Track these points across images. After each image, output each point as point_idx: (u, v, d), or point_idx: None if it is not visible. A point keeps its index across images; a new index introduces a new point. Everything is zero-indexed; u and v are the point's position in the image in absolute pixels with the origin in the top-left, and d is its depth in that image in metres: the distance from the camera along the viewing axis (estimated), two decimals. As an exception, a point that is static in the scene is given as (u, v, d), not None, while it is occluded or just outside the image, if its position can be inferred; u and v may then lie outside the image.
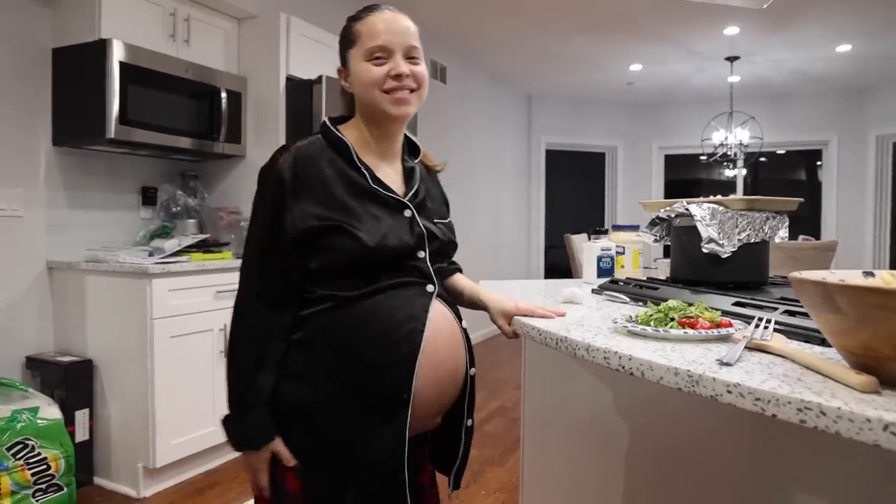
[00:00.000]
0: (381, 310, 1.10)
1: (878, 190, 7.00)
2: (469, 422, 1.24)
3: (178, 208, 3.14)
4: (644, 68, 6.40)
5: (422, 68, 1.19)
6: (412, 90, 1.17)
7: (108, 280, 2.65)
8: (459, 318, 1.21)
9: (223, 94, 3.07)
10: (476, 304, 1.37)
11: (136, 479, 2.58)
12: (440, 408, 1.19)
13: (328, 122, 1.21)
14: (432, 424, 1.21)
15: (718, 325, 1.02)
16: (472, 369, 1.22)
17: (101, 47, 2.59)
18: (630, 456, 1.46)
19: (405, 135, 1.29)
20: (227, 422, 1.17)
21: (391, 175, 1.22)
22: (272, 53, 3.21)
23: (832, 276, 0.87)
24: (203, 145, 3.02)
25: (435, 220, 1.25)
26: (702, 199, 1.55)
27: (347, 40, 1.19)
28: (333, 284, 1.12)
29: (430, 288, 1.16)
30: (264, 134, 3.23)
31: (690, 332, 1.00)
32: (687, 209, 1.54)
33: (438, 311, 1.16)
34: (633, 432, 1.44)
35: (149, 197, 3.17)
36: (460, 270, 1.46)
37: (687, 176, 8.85)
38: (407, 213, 1.18)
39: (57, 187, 2.80)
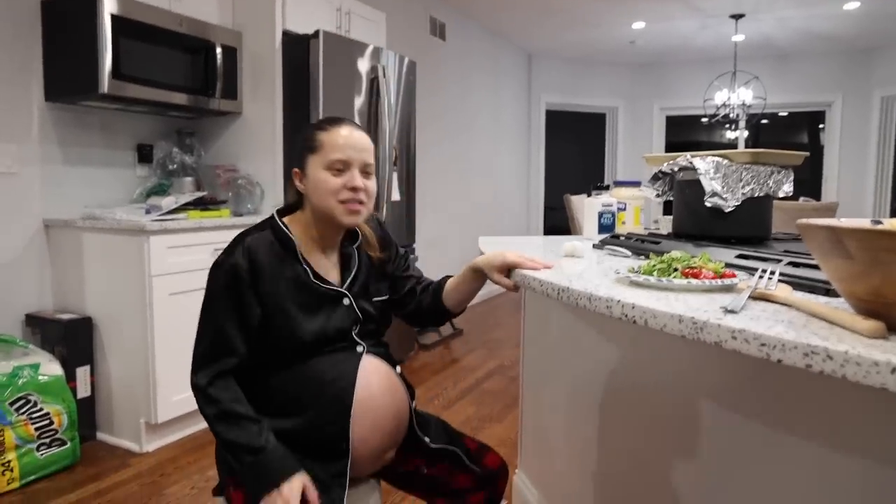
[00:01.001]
0: (313, 374, 1.23)
1: (881, 151, 6.94)
2: (426, 439, 1.37)
3: (175, 166, 3.11)
4: (647, 26, 6.27)
5: (372, 183, 1.30)
6: (361, 202, 1.27)
7: (105, 238, 2.63)
8: (393, 364, 1.34)
9: (218, 49, 3.00)
10: (475, 279, 1.41)
11: (138, 434, 2.61)
12: (391, 444, 1.30)
13: (276, 218, 1.31)
14: (387, 460, 1.32)
15: (722, 276, 1.01)
16: (413, 402, 1.36)
17: (92, 0, 2.52)
18: (628, 413, 1.46)
19: None
20: (245, 474, 1.16)
21: (329, 267, 1.33)
22: (268, 6, 3.13)
23: (840, 222, 0.85)
24: (198, 101, 2.96)
25: (374, 300, 1.37)
26: (706, 152, 1.53)
27: (309, 147, 1.28)
28: (270, 357, 1.26)
29: (359, 349, 1.29)
30: (261, 90, 3.18)
31: (694, 281, 0.99)
32: (690, 162, 1.52)
33: (369, 364, 1.28)
34: (632, 389, 1.45)
35: (145, 154, 3.13)
36: (444, 281, 1.48)
37: (688, 138, 8.78)
38: (346, 301, 1.30)
39: (51, 144, 2.76)
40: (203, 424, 2.82)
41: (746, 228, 1.48)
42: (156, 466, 2.49)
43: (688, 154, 1.54)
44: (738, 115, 6.44)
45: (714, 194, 1.46)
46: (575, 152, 8.49)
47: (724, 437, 1.13)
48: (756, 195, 1.47)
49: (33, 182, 2.71)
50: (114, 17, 2.55)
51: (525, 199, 7.75)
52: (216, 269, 1.23)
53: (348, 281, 1.32)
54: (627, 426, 1.47)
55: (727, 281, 0.99)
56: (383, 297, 1.41)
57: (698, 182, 1.49)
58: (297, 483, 1.14)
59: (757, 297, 0.92)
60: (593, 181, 2.46)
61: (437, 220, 5.36)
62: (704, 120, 7.80)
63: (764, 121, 7.75)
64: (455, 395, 3.40)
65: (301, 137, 1.31)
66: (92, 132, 2.91)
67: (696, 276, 1.01)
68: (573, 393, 1.74)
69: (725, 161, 1.48)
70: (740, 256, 1.21)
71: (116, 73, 2.58)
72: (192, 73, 2.93)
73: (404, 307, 1.46)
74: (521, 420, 2.25)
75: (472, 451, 1.41)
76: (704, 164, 1.48)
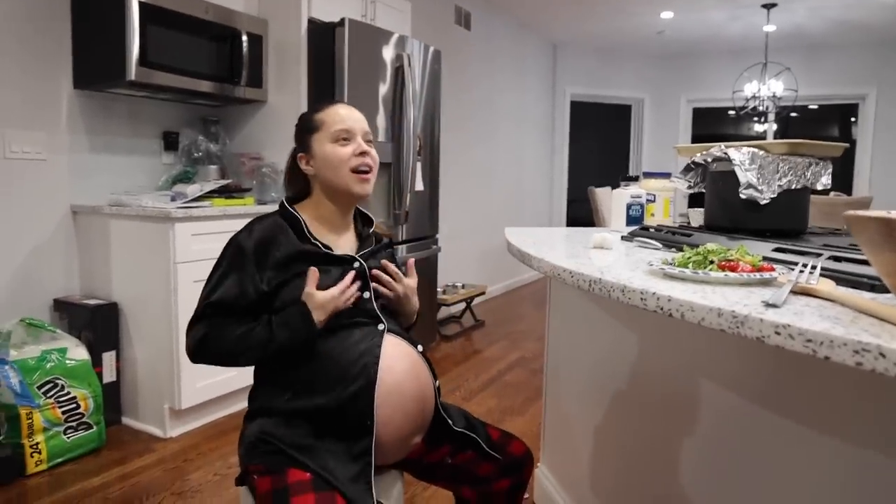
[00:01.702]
0: (335, 351, 1.23)
1: (916, 146, 6.76)
2: (450, 421, 1.34)
3: (200, 154, 3.12)
4: (676, 16, 6.16)
5: (374, 151, 1.36)
6: (370, 169, 1.33)
7: (131, 224, 2.65)
8: (415, 344, 1.34)
9: (244, 37, 3.00)
10: (405, 305, 1.42)
11: (162, 420, 2.64)
12: (416, 429, 1.27)
13: (284, 203, 1.36)
14: (412, 446, 1.29)
15: (760, 269, 0.98)
16: (437, 381, 1.34)
17: (120, -14, 2.53)
18: (654, 406, 1.43)
19: (357, 208, 1.43)
20: (285, 339, 1.21)
21: (344, 245, 1.36)
22: (293, -6, 3.12)
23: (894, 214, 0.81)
24: (224, 89, 2.97)
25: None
26: (741, 143, 1.49)
27: (309, 128, 1.35)
28: None
29: (380, 327, 1.28)
30: (286, 79, 3.17)
31: (731, 274, 0.95)
32: (725, 153, 1.48)
33: (391, 344, 1.27)
34: (659, 382, 1.41)
35: (170, 142, 3.14)
36: None
37: (714, 130, 8.62)
38: (356, 265, 1.31)
39: (79, 131, 2.78)
40: (225, 411, 2.85)
41: (782, 221, 1.44)
42: (179, 452, 2.51)
43: (722, 144, 1.50)
44: (767, 108, 6.30)
45: (749, 186, 1.42)
46: (598, 144, 8.38)
47: (754, 432, 1.10)
48: (793, 187, 1.43)
49: (62, 169, 2.73)
50: (141, 5, 2.55)
51: (548, 191, 7.69)
52: (223, 249, 1.31)
53: (364, 251, 1.36)
54: (654, 420, 1.44)
55: (766, 275, 0.96)
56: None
57: (733, 173, 1.45)
58: (321, 295, 1.21)
59: (798, 291, 0.88)
60: (616, 174, 2.42)
61: (459, 211, 5.33)
62: (732, 112, 7.65)
63: (793, 114, 7.58)
64: (477, 387, 3.38)
65: (298, 126, 1.38)
66: (119, 120, 2.93)
67: (732, 269, 0.98)
68: (598, 386, 1.72)
69: (762, 152, 1.43)
70: (777, 250, 1.18)
71: (143, 60, 2.58)
72: (218, 60, 2.93)
73: None
74: (544, 413, 2.23)
75: (495, 439, 1.39)
76: (740, 155, 1.44)
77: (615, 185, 2.04)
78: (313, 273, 1.23)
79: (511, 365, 3.81)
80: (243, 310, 1.25)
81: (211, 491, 2.22)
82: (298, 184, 1.39)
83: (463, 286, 4.89)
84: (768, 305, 0.78)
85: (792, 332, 0.69)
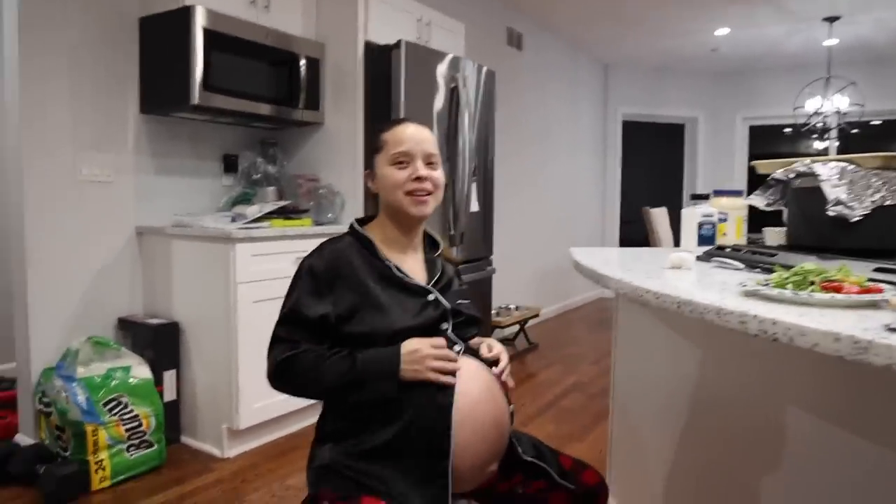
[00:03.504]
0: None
1: None
2: (519, 449, 1.30)
3: (259, 175, 3.17)
4: (731, 32, 6.02)
5: (439, 173, 1.33)
6: (429, 192, 1.31)
7: (193, 245, 2.69)
8: (490, 366, 1.28)
9: (302, 61, 3.05)
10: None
11: (220, 440, 2.65)
12: (493, 455, 1.21)
13: (355, 224, 1.35)
14: (489, 474, 1.23)
15: (868, 290, 0.91)
16: (511, 406, 1.29)
17: (186, 14, 2.60)
18: (730, 432, 1.35)
19: (425, 231, 1.42)
20: (372, 384, 1.17)
21: (414, 267, 1.34)
22: (350, 18, 3.16)
23: None
24: (282, 112, 3.01)
25: (459, 301, 1.35)
26: (827, 157, 1.40)
27: (375, 148, 1.34)
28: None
29: (456, 348, 1.24)
30: (343, 101, 3.20)
31: (838, 296, 0.88)
32: (810, 168, 1.40)
33: (468, 366, 1.22)
34: (734, 408, 1.33)
35: (230, 164, 3.21)
36: None
37: (770, 150, 8.36)
38: (430, 297, 1.29)
39: (144, 154, 2.86)
40: (283, 432, 2.84)
41: (875, 240, 1.34)
42: (237, 472, 2.51)
43: (807, 159, 1.42)
44: (830, 124, 6.07)
45: (838, 202, 1.34)
46: (650, 165, 8.22)
47: (843, 461, 1.01)
48: (887, 203, 1.34)
49: (127, 191, 2.81)
50: (206, 31, 2.62)
51: (600, 212, 7.56)
52: (296, 272, 1.28)
53: (434, 280, 1.34)
54: (734, 448, 1.35)
55: (875, 296, 0.88)
56: (467, 301, 1.39)
57: (819, 189, 1.37)
58: (417, 342, 1.18)
59: (916, 314, 0.81)
60: (669, 195, 2.34)
61: (512, 232, 5.28)
62: (788, 130, 7.42)
63: (854, 130, 7.29)
64: (533, 412, 3.30)
65: (368, 143, 1.35)
66: (182, 143, 3.01)
67: (837, 290, 0.91)
68: (672, 412, 1.63)
69: (852, 166, 1.35)
70: (879, 270, 1.09)
71: (207, 84, 2.65)
72: (277, 84, 2.99)
73: None
74: (610, 440, 2.15)
75: (567, 468, 1.33)
76: (827, 170, 1.36)
77: (670, 206, 1.97)
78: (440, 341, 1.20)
79: (567, 389, 3.71)
80: (322, 331, 1.22)
81: (269, 513, 2.20)
82: (372, 202, 1.39)
83: (517, 308, 4.82)
84: (891, 330, 0.71)
85: (928, 359, 0.62)
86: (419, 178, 1.29)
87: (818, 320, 0.78)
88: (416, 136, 1.31)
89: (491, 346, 1.34)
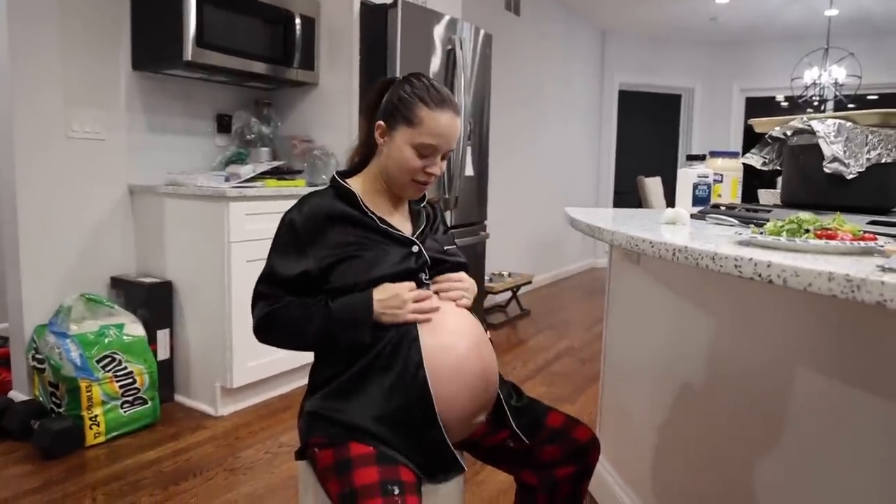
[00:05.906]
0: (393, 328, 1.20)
1: None
2: (513, 399, 1.33)
3: (253, 136, 3.13)
4: (731, 1, 5.95)
5: (444, 164, 1.32)
6: (430, 183, 1.30)
7: (186, 204, 2.68)
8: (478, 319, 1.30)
9: (297, 20, 3.00)
10: None
11: (213, 398, 2.66)
12: (479, 406, 1.23)
13: (336, 177, 1.32)
14: (476, 425, 1.25)
15: (862, 238, 0.91)
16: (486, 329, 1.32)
17: (178, -33, 2.55)
18: (722, 391, 1.37)
19: None
20: (344, 327, 1.18)
21: (398, 219, 1.33)
22: (346, -24, 3.10)
23: None
24: (277, 71, 2.97)
25: (446, 248, 1.35)
26: (825, 114, 1.40)
27: (407, 116, 1.25)
28: None
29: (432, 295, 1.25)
30: (338, 61, 3.16)
31: (832, 243, 0.89)
32: (808, 125, 1.39)
33: (450, 313, 1.24)
34: (728, 366, 1.35)
35: (224, 124, 3.17)
36: None
37: (767, 121, 8.32)
38: (414, 248, 1.28)
39: (137, 112, 2.82)
40: (275, 392, 2.86)
41: (871, 198, 1.35)
42: (231, 429, 2.53)
43: (804, 116, 1.41)
44: (827, 96, 6.04)
45: (835, 159, 1.34)
46: (646, 135, 8.18)
47: (847, 424, 1.03)
48: (883, 161, 1.34)
49: (120, 149, 2.78)
50: (198, -15, 2.57)
51: (594, 181, 7.55)
52: (277, 227, 1.28)
53: (418, 231, 1.33)
54: (721, 405, 1.37)
55: (869, 244, 0.89)
56: (453, 246, 1.39)
57: (816, 146, 1.37)
58: (392, 287, 1.19)
59: (910, 260, 0.81)
60: (664, 165, 2.33)
61: (505, 198, 5.26)
62: (785, 104, 7.39)
63: (851, 105, 7.27)
64: (524, 375, 3.34)
65: (400, 94, 1.26)
66: (175, 101, 2.97)
67: (831, 237, 0.92)
68: (665, 374, 1.65)
69: (849, 123, 1.35)
70: (872, 223, 1.10)
71: (200, 41, 2.60)
72: (272, 42, 2.94)
73: None
74: (600, 402, 2.17)
75: (558, 425, 1.34)
76: (824, 127, 1.36)
77: (665, 178, 1.96)
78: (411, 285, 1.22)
79: (559, 354, 3.74)
80: (302, 286, 1.23)
81: (262, 468, 2.23)
82: (362, 149, 1.35)
83: (509, 275, 4.84)
84: (885, 270, 0.72)
85: (921, 294, 0.63)
86: (432, 175, 1.28)
87: (812, 263, 0.78)
88: (449, 132, 1.25)
89: (449, 277, 1.33)
